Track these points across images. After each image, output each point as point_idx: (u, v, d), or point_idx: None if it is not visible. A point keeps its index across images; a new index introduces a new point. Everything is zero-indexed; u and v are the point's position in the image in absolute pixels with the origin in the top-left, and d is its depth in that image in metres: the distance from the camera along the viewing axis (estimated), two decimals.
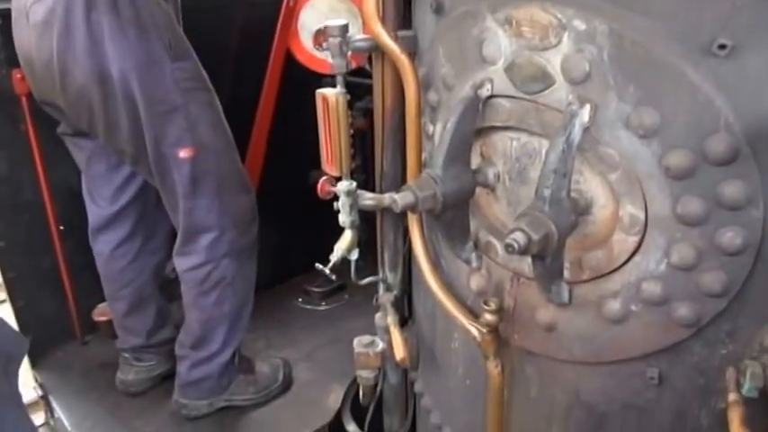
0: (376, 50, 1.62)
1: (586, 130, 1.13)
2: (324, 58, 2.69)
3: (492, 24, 1.24)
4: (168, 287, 2.55)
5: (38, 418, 2.63)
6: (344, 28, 1.58)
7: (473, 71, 1.31)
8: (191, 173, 2.05)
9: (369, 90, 1.88)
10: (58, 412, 2.39)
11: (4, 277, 2.46)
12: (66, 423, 2.28)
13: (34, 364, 2.57)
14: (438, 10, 1.40)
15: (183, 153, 2.02)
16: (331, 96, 1.66)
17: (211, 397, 2.29)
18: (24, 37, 1.94)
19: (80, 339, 2.62)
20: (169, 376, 2.37)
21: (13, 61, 2.11)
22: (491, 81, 1.28)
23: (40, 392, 2.54)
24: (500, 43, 1.24)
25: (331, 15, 2.67)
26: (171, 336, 2.45)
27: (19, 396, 1.30)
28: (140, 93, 1.91)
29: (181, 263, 2.20)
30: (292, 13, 2.60)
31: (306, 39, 2.66)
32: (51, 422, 2.53)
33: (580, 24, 1.11)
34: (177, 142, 2.01)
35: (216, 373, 2.27)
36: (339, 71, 1.61)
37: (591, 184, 1.22)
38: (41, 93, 2.06)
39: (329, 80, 2.07)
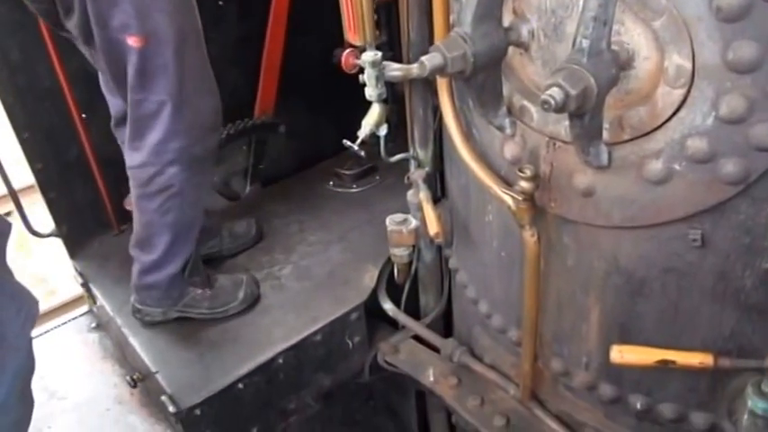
0: None
1: None
2: None
3: None
4: None
5: (81, 306, 2.72)
6: None
7: None
8: (138, 63, 1.84)
9: None
10: (100, 299, 2.46)
11: (32, 168, 2.45)
12: (108, 309, 2.35)
13: (73, 255, 2.62)
14: None
15: (132, 41, 1.81)
16: None
17: (163, 306, 2.21)
18: None
19: (116, 228, 2.65)
20: (205, 261, 2.39)
21: None
22: None
23: (81, 281, 2.61)
24: None
25: None
26: (205, 222, 2.44)
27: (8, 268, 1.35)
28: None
29: (127, 156, 2.05)
30: None
31: None
32: (94, 309, 2.61)
33: None
34: (123, 28, 1.80)
35: (164, 284, 2.17)
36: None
37: (633, 34, 1.12)
38: None
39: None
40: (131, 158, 2.01)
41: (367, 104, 1.79)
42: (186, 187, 2.02)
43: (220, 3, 2.57)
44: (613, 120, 1.18)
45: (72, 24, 1.84)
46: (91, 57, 1.96)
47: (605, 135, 1.19)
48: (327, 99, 2.76)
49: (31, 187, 2.63)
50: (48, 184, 2.48)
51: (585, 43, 1.04)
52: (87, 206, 2.60)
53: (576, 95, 1.03)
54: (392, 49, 2.70)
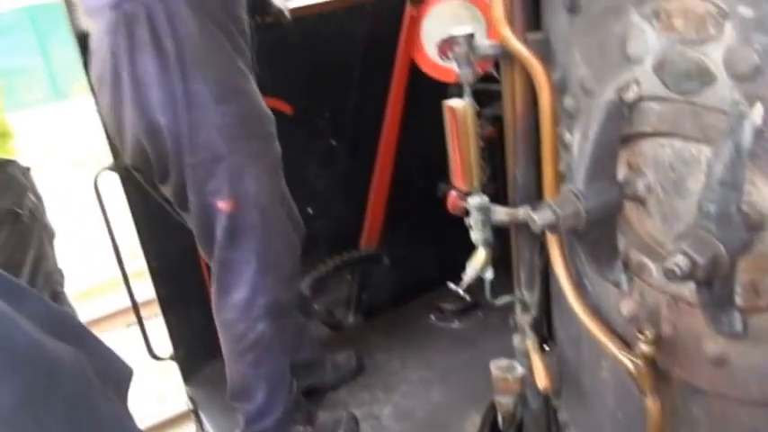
0: (504, 57, 1.52)
1: (759, 132, 0.96)
2: (448, 67, 2.64)
3: (637, 19, 1.10)
4: (304, 304, 2.56)
5: (189, 429, 2.75)
6: (470, 37, 1.49)
7: (616, 72, 1.16)
8: (228, 225, 1.87)
9: (496, 96, 1.77)
10: (207, 426, 2.47)
11: (156, 293, 2.58)
12: None
13: (186, 379, 2.68)
14: (572, 8, 1.27)
15: (222, 205, 1.84)
16: (459, 108, 1.58)
17: None
18: (99, 98, 1.86)
19: None
20: (307, 392, 2.37)
21: None
22: (637, 82, 1.13)
23: (191, 406, 2.65)
24: (647, 39, 1.09)
25: (454, 22, 2.57)
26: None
27: (131, 416, 1.35)
28: (185, 139, 1.77)
29: (216, 314, 2.07)
30: (415, 23, 2.54)
31: (429, 48, 2.58)
32: None
33: (747, 11, 0.94)
34: (215, 193, 1.84)
35: (271, 428, 2.14)
36: (466, 81, 1.52)
37: (765, 194, 1.04)
38: (125, 156, 1.95)
39: (455, 89, 1.96)
40: (220, 315, 2.05)
41: (470, 238, 1.76)
42: (276, 338, 2.04)
43: (333, 143, 2.69)
44: (747, 284, 1.07)
45: (168, 190, 1.93)
46: (183, 216, 2.04)
47: (738, 300, 1.08)
48: (430, 231, 2.76)
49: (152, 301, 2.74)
50: (169, 308, 2.58)
51: (712, 208, 0.96)
52: (202, 332, 2.68)
53: (705, 264, 0.95)
54: (495, 181, 2.70)
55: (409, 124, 2.73)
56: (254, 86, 1.88)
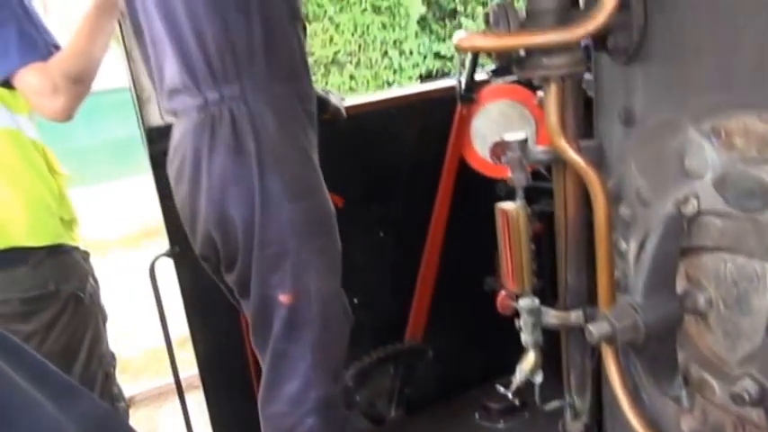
0: (557, 162, 1.54)
1: None
2: (497, 164, 2.67)
3: (695, 135, 1.11)
4: (347, 395, 2.52)
5: None
6: (524, 142, 1.52)
7: (674, 186, 1.17)
8: (288, 318, 1.88)
9: (544, 192, 1.78)
10: None
11: (201, 379, 2.58)
12: None
13: None
14: (627, 121, 1.30)
15: (284, 297, 1.85)
16: (511, 211, 1.59)
17: None
18: (176, 190, 1.94)
19: None
20: None
21: None
22: (697, 196, 1.13)
23: None
24: (706, 156, 1.10)
25: (503, 121, 2.63)
26: None
27: None
28: (256, 233, 1.80)
29: (263, 406, 2.03)
30: (466, 121, 2.60)
31: (479, 145, 2.63)
32: None
33: None
34: (279, 285, 1.85)
35: None
36: (519, 185, 1.54)
37: None
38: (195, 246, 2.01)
39: (504, 185, 1.96)
40: (268, 406, 2.01)
41: (516, 335, 1.73)
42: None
43: (381, 234, 2.71)
44: None
45: (231, 278, 1.96)
46: (240, 303, 2.07)
47: None
48: (476, 326, 2.73)
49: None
50: (213, 395, 2.58)
51: None
52: (246, 421, 2.65)
53: None
54: (541, 278, 2.67)
55: (457, 218, 2.74)
56: (323, 182, 1.94)
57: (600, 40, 1.24)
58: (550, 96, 1.28)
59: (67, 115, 1.85)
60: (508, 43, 1.18)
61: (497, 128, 2.61)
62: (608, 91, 1.40)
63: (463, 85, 2.59)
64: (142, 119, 2.28)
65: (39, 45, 1.78)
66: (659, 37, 1.20)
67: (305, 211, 1.84)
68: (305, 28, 1.96)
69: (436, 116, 2.67)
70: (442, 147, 2.67)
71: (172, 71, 1.74)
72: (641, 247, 1.29)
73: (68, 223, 2.00)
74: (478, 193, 2.59)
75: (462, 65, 2.60)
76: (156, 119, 2.28)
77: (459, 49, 1.22)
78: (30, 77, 1.76)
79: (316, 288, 1.88)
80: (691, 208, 1.13)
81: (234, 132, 1.73)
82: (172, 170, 1.89)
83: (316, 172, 1.91)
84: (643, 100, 1.27)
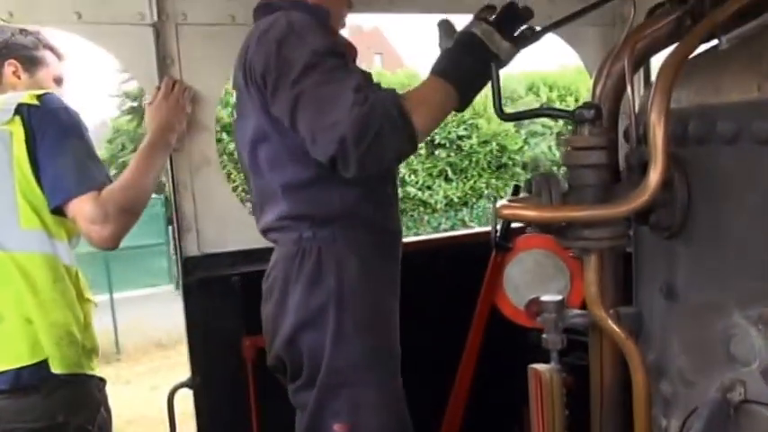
0: (594, 328, 1.52)
1: None
2: (532, 318, 2.64)
3: (741, 321, 1.09)
4: None
5: None
6: (560, 304, 1.51)
7: (719, 370, 1.14)
8: None
9: (576, 345, 1.74)
10: None
11: None
12: None
13: None
14: (669, 295, 1.29)
15: (338, 427, 1.86)
16: (545, 373, 1.55)
17: None
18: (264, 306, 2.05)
19: None
20: None
21: (250, 328, 2.26)
22: (743, 384, 1.10)
23: None
24: (753, 343, 1.07)
25: (537, 270, 2.63)
26: None
27: None
28: (323, 362, 1.85)
29: None
30: (499, 269, 2.60)
31: (511, 293, 2.62)
32: None
33: None
34: (335, 415, 1.86)
35: None
36: (554, 348, 1.51)
37: None
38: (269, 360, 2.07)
39: (535, 333, 1.92)
40: None
41: None
42: None
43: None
44: None
45: (292, 389, 1.97)
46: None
47: None
48: None
49: None
50: None
51: None
52: None
53: None
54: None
55: (487, 364, 2.68)
56: (396, 318, 2.00)
57: (642, 215, 1.26)
58: (590, 267, 1.29)
59: (115, 243, 1.90)
60: (551, 215, 1.20)
61: (531, 277, 2.61)
62: (648, 262, 1.40)
63: (498, 233, 2.63)
64: (180, 249, 2.35)
65: (94, 176, 1.87)
66: (703, 218, 1.21)
67: (375, 346, 1.90)
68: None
69: (471, 261, 2.68)
70: (476, 291, 2.67)
71: (274, 214, 1.89)
72: (683, 426, 1.24)
73: (89, 352, 1.99)
74: (510, 340, 2.55)
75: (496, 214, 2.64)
76: (193, 248, 2.36)
77: (500, 216, 1.24)
78: (84, 206, 1.82)
79: (371, 424, 1.88)
80: (737, 395, 1.10)
81: (319, 267, 1.85)
82: (264, 287, 1.99)
83: (393, 309, 1.99)
84: (686, 277, 1.26)
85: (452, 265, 2.75)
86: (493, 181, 13.57)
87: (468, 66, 1.69)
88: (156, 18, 2.22)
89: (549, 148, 13.84)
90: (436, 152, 12.96)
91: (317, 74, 1.61)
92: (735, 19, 1.26)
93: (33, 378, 1.84)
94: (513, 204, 1.21)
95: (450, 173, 13.27)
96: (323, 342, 1.84)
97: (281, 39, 1.68)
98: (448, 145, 13.03)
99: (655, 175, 1.13)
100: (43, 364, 1.85)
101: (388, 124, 1.55)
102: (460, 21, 1.78)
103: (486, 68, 1.58)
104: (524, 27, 1.78)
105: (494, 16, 1.72)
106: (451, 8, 2.75)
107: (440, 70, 1.71)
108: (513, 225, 2.69)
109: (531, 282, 2.61)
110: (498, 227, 2.64)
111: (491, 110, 11.32)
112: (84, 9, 2.15)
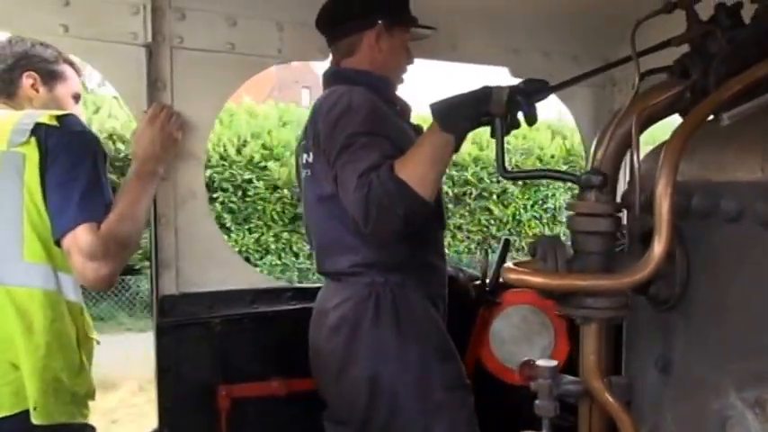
0: (584, 396, 1.49)
1: None
2: (513, 369, 2.61)
3: (738, 404, 1.08)
4: None
5: None
6: (554, 369, 1.49)
7: None
8: None
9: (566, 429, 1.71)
10: None
11: None
12: None
13: None
14: (665, 369, 1.28)
15: None
16: None
17: None
18: (318, 334, 2.12)
19: None
20: None
21: (227, 376, 2.21)
22: None
23: None
24: (749, 428, 1.06)
25: (524, 326, 2.62)
26: None
27: None
28: (417, 394, 2.01)
29: None
30: (486, 324, 2.58)
31: (497, 348, 2.60)
32: None
33: None
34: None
35: None
36: (546, 415, 1.48)
37: None
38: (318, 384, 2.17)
39: (521, 391, 1.90)
40: None
41: None
42: None
43: None
44: None
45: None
46: None
47: None
48: None
49: None
50: None
51: None
52: None
53: None
54: None
55: None
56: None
57: (642, 285, 1.25)
58: (590, 336, 1.28)
59: (111, 283, 1.79)
60: (557, 284, 1.19)
61: (517, 333, 2.60)
62: (643, 333, 1.40)
63: (487, 287, 2.61)
64: (156, 287, 2.25)
65: (97, 207, 1.75)
66: (702, 293, 1.21)
67: (453, 372, 2.12)
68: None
69: (456, 316, 2.65)
70: (459, 345, 2.63)
71: (347, 261, 2.05)
72: None
73: (82, 398, 1.86)
74: (493, 396, 2.51)
75: (488, 265, 2.64)
76: (170, 287, 2.26)
77: (507, 281, 1.23)
78: (82, 238, 1.69)
79: None
80: None
81: (394, 309, 2.02)
82: (319, 325, 2.09)
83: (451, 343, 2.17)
84: (682, 352, 1.25)
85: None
86: (285, 235, 10.80)
87: (459, 107, 1.80)
88: (150, 39, 2.17)
89: None
90: (215, 195, 9.96)
91: (346, 155, 1.84)
92: (738, 97, 1.28)
93: (15, 430, 1.71)
94: (519, 269, 1.20)
95: (229, 221, 10.34)
96: (407, 377, 1.99)
97: (338, 118, 1.90)
98: (231, 189, 10.30)
99: (659, 248, 1.13)
100: (27, 415, 1.70)
101: (386, 198, 1.75)
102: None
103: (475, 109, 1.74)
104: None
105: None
106: (507, 62, 2.81)
107: (435, 114, 1.83)
108: (502, 279, 2.69)
109: (517, 337, 2.59)
110: (488, 280, 2.63)
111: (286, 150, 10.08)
112: (71, 22, 2.08)
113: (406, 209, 1.77)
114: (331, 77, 2.18)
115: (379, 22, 2.11)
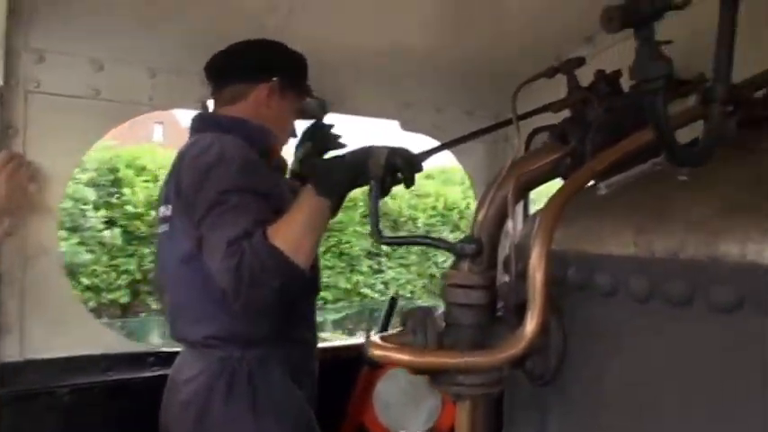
0: None
1: None
2: None
3: None
4: None
5: None
6: None
7: None
8: None
9: None
10: None
11: None
12: None
13: None
14: None
15: None
16: None
17: None
18: (168, 410, 1.94)
19: None
20: None
21: None
22: None
23: None
24: None
25: (410, 389, 2.53)
26: None
27: None
28: None
29: None
30: (370, 385, 2.48)
31: (381, 411, 2.49)
32: None
33: None
34: None
35: None
36: None
37: None
38: None
39: None
40: None
41: None
42: None
43: None
44: None
45: None
46: None
47: None
48: None
49: None
50: None
51: None
52: None
53: None
54: None
55: None
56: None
57: (517, 360, 1.19)
58: (463, 412, 1.20)
59: None
60: (425, 361, 1.10)
61: (403, 396, 2.50)
62: (522, 408, 1.33)
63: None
64: None
65: None
66: (577, 368, 1.16)
67: None
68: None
69: (337, 376, 2.53)
70: (340, 410, 2.51)
71: (203, 331, 1.86)
72: None
73: None
74: None
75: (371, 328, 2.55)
76: (13, 353, 2.03)
77: (372, 356, 1.13)
78: None
79: None
80: None
81: (248, 387, 1.84)
82: (173, 395, 1.91)
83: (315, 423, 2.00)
84: (557, 430, 1.19)
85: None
86: None
87: (336, 170, 1.73)
88: (1, 81, 1.98)
89: None
90: None
91: (215, 215, 1.68)
92: (613, 168, 1.27)
93: None
94: (385, 345, 1.10)
95: None
96: None
97: (207, 170, 1.74)
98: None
99: (532, 322, 1.06)
100: None
101: (260, 268, 1.60)
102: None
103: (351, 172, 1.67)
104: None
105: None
106: (398, 116, 2.76)
107: (311, 177, 1.76)
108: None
109: (403, 401, 2.50)
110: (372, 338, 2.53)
111: None
112: None
113: (281, 280, 1.64)
114: (200, 122, 2.01)
115: (275, 79, 1.99)
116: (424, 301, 12.44)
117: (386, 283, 12.47)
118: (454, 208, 13.42)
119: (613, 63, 1.70)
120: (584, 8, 1.56)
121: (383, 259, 12.68)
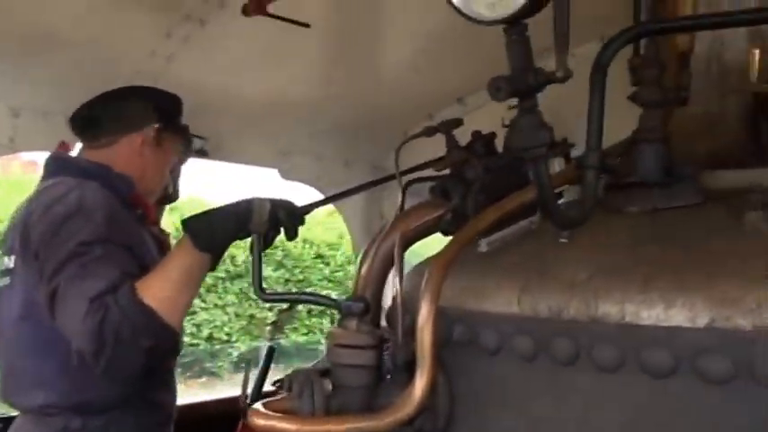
0: None
1: None
2: None
3: None
4: None
5: None
6: None
7: None
8: None
9: None
10: None
11: None
12: None
13: None
14: None
15: None
16: None
17: None
18: None
19: None
20: None
21: None
22: None
23: None
24: None
25: None
26: None
27: None
28: None
29: None
30: None
31: None
32: None
33: None
34: None
35: None
36: None
37: None
38: None
39: None
40: None
41: None
42: None
43: None
44: None
45: None
46: None
47: None
48: None
49: None
50: None
51: None
52: None
53: None
54: None
55: None
56: None
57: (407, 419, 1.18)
58: None
59: None
60: (312, 429, 1.06)
61: None
62: None
63: (248, 399, 2.41)
64: None
65: None
66: (465, 428, 1.16)
67: None
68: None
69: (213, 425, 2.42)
70: None
71: (38, 398, 1.67)
72: None
73: None
74: None
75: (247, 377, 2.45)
76: None
77: (254, 426, 1.07)
78: None
79: None
80: None
81: None
82: None
83: None
84: None
85: None
86: None
87: (217, 224, 1.62)
88: None
89: None
90: None
91: (73, 268, 1.53)
92: (494, 225, 1.31)
93: None
94: (268, 413, 1.05)
95: None
96: None
97: (64, 219, 1.60)
98: None
99: (420, 383, 1.05)
100: None
101: (127, 327, 1.48)
102: None
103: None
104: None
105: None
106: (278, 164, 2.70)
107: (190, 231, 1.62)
108: (266, 389, 2.51)
109: None
110: (249, 392, 2.43)
111: None
112: None
113: (152, 341, 1.52)
114: (55, 165, 1.84)
115: (149, 127, 1.88)
116: (242, 345, 11.76)
117: (198, 326, 11.59)
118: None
119: (484, 122, 1.78)
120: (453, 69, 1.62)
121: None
